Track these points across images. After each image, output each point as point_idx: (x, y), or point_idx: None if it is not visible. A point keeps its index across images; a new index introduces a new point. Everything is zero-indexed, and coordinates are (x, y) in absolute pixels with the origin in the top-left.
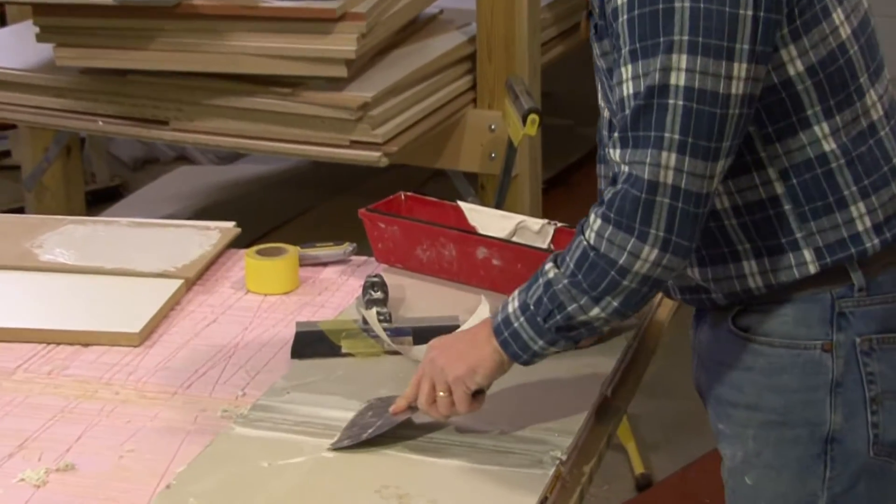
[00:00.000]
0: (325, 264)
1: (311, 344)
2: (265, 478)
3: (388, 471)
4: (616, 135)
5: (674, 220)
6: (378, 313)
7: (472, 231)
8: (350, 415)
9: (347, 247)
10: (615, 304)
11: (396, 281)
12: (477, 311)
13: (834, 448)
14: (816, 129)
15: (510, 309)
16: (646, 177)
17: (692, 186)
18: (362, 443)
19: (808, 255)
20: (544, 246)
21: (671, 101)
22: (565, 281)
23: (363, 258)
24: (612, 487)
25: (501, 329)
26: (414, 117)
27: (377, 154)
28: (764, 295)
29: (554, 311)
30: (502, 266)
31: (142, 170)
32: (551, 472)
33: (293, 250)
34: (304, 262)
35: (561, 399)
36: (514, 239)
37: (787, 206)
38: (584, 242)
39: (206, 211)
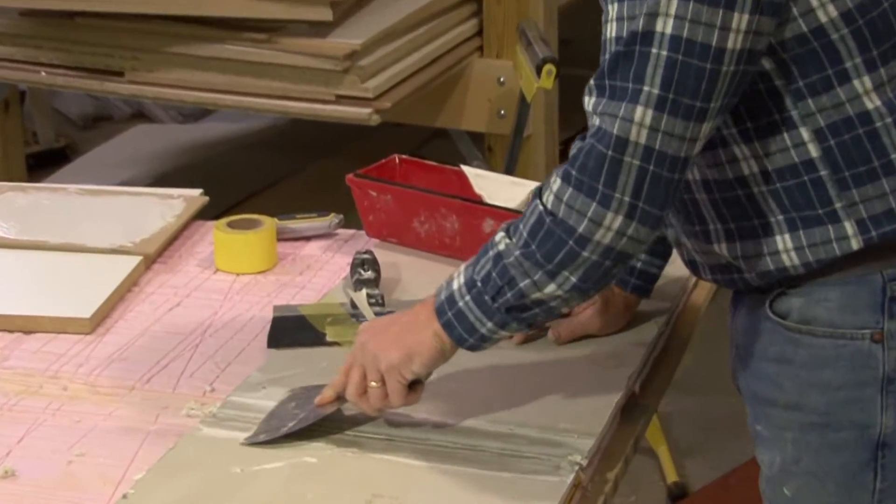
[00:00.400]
0: (307, 239)
1: (291, 331)
2: (237, 486)
3: (380, 477)
4: (591, 81)
5: (642, 184)
6: (368, 295)
7: (477, 200)
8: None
9: (333, 218)
10: (573, 279)
11: (390, 258)
12: None
13: (885, 455)
14: (857, 83)
15: (455, 286)
16: (615, 132)
17: (668, 148)
18: (281, 437)
19: (849, 227)
20: None
21: (654, 51)
22: (517, 253)
23: (351, 232)
24: (640, 497)
25: (445, 309)
26: (410, 68)
27: (367, 111)
28: (803, 276)
29: (504, 288)
30: None
31: (92, 128)
32: (570, 479)
33: (270, 223)
34: (282, 237)
35: (581, 395)
36: None
37: (823, 172)
38: (541, 207)
39: (169, 176)
